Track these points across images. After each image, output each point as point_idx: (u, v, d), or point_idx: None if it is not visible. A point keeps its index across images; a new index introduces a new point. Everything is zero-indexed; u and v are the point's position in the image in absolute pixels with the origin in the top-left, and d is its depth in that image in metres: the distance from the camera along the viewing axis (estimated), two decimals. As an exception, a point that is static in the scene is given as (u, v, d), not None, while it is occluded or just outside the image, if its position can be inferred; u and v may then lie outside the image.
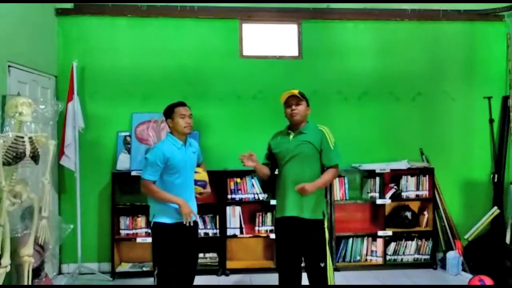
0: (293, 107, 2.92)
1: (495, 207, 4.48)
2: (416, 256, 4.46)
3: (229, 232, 4.29)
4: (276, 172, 3.09)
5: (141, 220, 4.28)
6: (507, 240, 4.35)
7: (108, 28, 4.44)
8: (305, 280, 2.97)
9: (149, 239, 4.00)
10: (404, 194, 4.47)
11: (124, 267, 4.33)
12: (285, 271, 2.98)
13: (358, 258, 4.43)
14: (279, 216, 3.00)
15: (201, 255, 4.25)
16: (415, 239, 4.47)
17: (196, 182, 3.07)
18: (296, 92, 2.94)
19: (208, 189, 3.20)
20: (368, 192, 4.47)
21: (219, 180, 4.23)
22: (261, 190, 4.34)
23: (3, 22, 3.36)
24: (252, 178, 4.36)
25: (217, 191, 4.25)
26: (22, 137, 2.84)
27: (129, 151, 4.35)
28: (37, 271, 3.29)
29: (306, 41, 4.60)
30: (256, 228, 4.36)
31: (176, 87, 4.43)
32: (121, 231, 4.29)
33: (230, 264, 4.31)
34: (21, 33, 3.66)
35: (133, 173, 4.18)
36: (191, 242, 3.03)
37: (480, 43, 4.71)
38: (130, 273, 4.25)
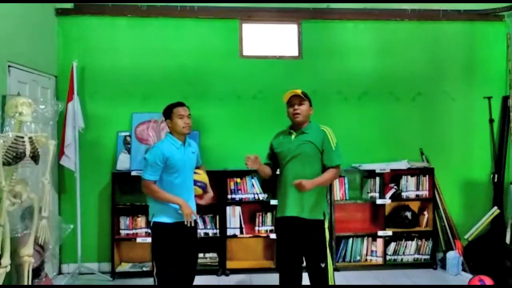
0: (296, 106, 2.91)
1: (495, 207, 4.48)
2: (416, 256, 4.46)
3: (229, 232, 4.29)
4: (278, 172, 3.09)
5: (141, 220, 4.28)
6: (507, 240, 4.35)
7: (108, 28, 4.44)
8: (306, 280, 2.96)
9: (149, 239, 4.00)
10: (404, 194, 4.47)
11: (124, 267, 4.33)
12: (285, 271, 2.98)
13: (358, 258, 4.43)
14: (279, 216, 3.00)
15: (201, 255, 4.25)
16: (415, 239, 4.47)
17: (195, 182, 3.08)
18: (299, 91, 2.93)
19: (210, 192, 3.20)
20: (368, 192, 4.47)
21: (219, 180, 4.23)
22: (261, 190, 4.34)
23: (3, 22, 3.36)
24: (252, 178, 4.36)
25: (217, 191, 4.24)
26: (22, 137, 2.84)
27: (129, 151, 4.35)
28: (37, 271, 3.29)
29: (306, 41, 4.60)
30: (256, 228, 4.36)
31: (176, 87, 4.43)
32: (121, 231, 4.29)
33: (230, 264, 4.31)
34: (21, 33, 3.66)
35: (133, 173, 4.18)
36: (190, 242, 3.03)
37: (480, 43, 4.71)
38: (130, 273, 4.25)
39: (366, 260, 4.43)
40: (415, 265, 4.44)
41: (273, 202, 4.21)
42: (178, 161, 2.92)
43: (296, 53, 4.62)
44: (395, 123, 4.64)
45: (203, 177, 3.15)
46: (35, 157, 2.93)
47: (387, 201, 4.40)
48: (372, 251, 4.43)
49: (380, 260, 4.40)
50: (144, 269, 4.25)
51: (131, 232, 4.28)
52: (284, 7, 4.56)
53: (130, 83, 4.43)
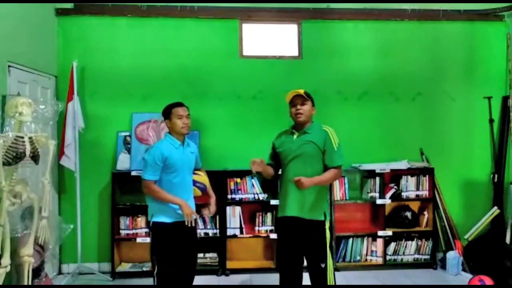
0: (298, 106, 2.91)
1: (495, 207, 4.48)
2: (416, 256, 4.46)
3: (229, 232, 4.29)
4: (280, 172, 3.08)
5: (141, 220, 4.28)
6: (507, 240, 4.35)
7: (108, 28, 4.44)
8: (307, 280, 2.96)
9: (149, 239, 3.99)
10: (404, 194, 4.47)
11: (124, 267, 4.33)
12: (285, 271, 2.98)
13: (358, 258, 4.43)
14: (280, 216, 3.00)
15: (201, 255, 4.26)
16: (415, 239, 4.47)
17: (195, 182, 3.08)
18: (301, 91, 2.92)
19: (213, 196, 3.21)
20: (368, 192, 4.47)
21: (219, 180, 4.23)
22: (261, 190, 4.34)
23: (3, 22, 3.37)
24: (252, 178, 4.36)
25: (217, 191, 4.22)
26: (22, 137, 2.84)
27: (129, 151, 4.35)
28: (37, 271, 3.29)
29: (306, 41, 4.60)
30: (256, 228, 4.36)
31: (176, 87, 4.43)
32: (121, 231, 4.29)
33: (230, 264, 4.31)
34: (21, 33, 3.66)
35: (133, 173, 4.18)
36: (190, 242, 3.04)
37: (480, 43, 4.71)
38: (130, 273, 4.25)
39: (366, 260, 4.43)
40: (415, 265, 4.44)
41: (273, 202, 4.21)
42: (176, 161, 2.93)
43: (296, 53, 4.62)
44: (395, 123, 4.64)
45: (203, 178, 3.15)
46: (35, 157, 2.93)
47: (387, 201, 4.40)
48: (372, 251, 4.43)
49: (380, 260, 4.40)
50: (144, 269, 4.25)
51: (131, 232, 4.28)
52: (284, 7, 4.56)
53: (130, 83, 4.43)
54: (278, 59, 4.59)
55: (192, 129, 4.16)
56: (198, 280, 3.24)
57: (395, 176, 4.51)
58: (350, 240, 4.42)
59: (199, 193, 3.10)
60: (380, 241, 4.41)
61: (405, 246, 4.47)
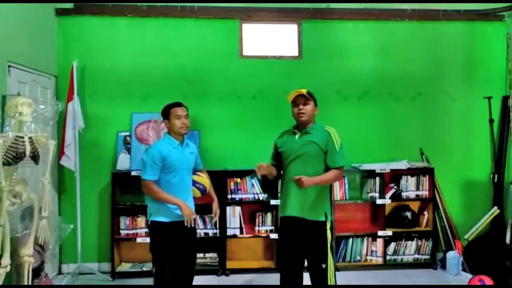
0: (301, 106, 2.90)
1: (495, 207, 4.48)
2: (416, 256, 4.46)
3: (229, 232, 4.29)
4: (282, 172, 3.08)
5: (141, 220, 4.28)
6: (507, 240, 4.35)
7: (108, 28, 4.44)
8: (307, 280, 2.96)
9: (149, 239, 4.00)
10: (404, 194, 4.47)
11: (124, 267, 4.33)
12: (285, 270, 2.97)
13: (358, 258, 4.43)
14: (281, 216, 3.00)
15: (201, 255, 4.26)
16: (415, 239, 4.47)
17: (194, 183, 3.07)
18: (304, 91, 2.91)
19: (215, 199, 3.21)
20: (368, 192, 4.47)
21: (219, 180, 4.22)
22: (261, 190, 4.34)
23: (3, 22, 3.37)
24: (252, 178, 4.36)
25: (217, 191, 4.22)
26: (22, 137, 2.84)
27: (129, 151, 4.35)
28: (37, 271, 3.29)
29: (306, 41, 4.60)
30: (256, 228, 4.36)
31: (176, 87, 4.43)
32: (121, 231, 4.29)
33: (230, 264, 4.31)
34: (21, 33, 3.66)
35: (133, 173, 4.18)
36: (189, 242, 3.04)
37: (480, 43, 4.71)
38: (130, 273, 4.25)
39: (366, 260, 4.43)
40: (415, 265, 4.44)
41: (273, 202, 4.21)
42: (175, 161, 2.93)
43: (296, 53, 4.62)
44: (395, 123, 4.64)
45: (203, 180, 3.14)
46: (35, 157, 2.93)
47: (387, 201, 4.40)
48: (372, 251, 4.43)
49: (380, 260, 4.40)
50: (144, 269, 4.25)
51: (131, 232, 4.29)
52: (284, 7, 4.56)
53: (130, 83, 4.43)
54: (278, 59, 4.59)
55: (192, 129, 4.18)
56: (198, 280, 3.24)
57: (395, 176, 4.51)
58: (350, 240, 4.42)
59: (198, 194, 3.09)
60: (380, 241, 4.41)
61: (405, 246, 4.47)
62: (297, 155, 2.89)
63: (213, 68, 4.50)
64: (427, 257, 4.46)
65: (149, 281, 3.79)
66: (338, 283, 3.00)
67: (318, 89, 4.41)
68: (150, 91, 4.44)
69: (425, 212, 4.53)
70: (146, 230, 4.23)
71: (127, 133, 4.39)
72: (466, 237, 4.43)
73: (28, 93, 3.67)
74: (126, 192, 4.36)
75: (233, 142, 4.49)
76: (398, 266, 4.43)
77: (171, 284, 2.94)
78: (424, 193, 4.50)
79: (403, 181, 4.48)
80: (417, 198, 4.52)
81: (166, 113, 3.02)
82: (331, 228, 2.93)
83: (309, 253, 2.90)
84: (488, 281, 3.72)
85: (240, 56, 4.56)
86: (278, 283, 3.00)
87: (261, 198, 4.33)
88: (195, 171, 3.16)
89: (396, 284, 4.01)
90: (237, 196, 4.34)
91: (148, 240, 4.08)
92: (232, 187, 4.33)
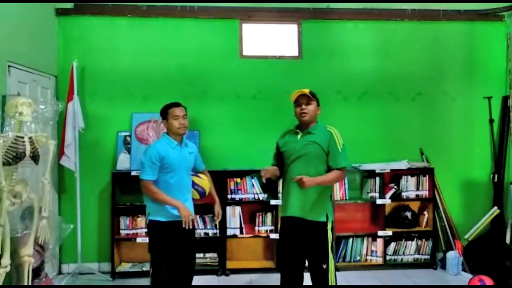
0: (303, 106, 2.89)
1: (495, 207, 4.48)
2: (416, 256, 4.46)
3: (229, 232, 4.29)
4: None
5: (141, 220, 4.28)
6: (507, 240, 4.35)
7: (108, 28, 4.44)
8: (308, 281, 2.96)
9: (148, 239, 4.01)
10: (404, 194, 4.47)
11: (124, 267, 4.33)
12: (286, 270, 2.97)
13: (358, 258, 4.42)
14: (282, 216, 3.00)
15: (201, 255, 4.26)
16: (415, 239, 4.47)
17: (194, 184, 3.07)
18: (306, 91, 2.90)
19: (217, 201, 3.21)
20: (368, 192, 4.47)
21: (219, 180, 4.22)
22: (261, 190, 4.34)
23: (3, 22, 3.36)
24: (252, 178, 4.36)
25: (217, 191, 4.22)
26: (22, 137, 2.84)
27: (129, 151, 4.35)
28: (37, 271, 3.28)
29: (306, 41, 4.60)
30: (256, 228, 4.35)
31: (176, 87, 4.43)
32: (121, 231, 4.29)
33: (230, 264, 4.31)
34: (21, 33, 3.66)
35: (133, 173, 4.18)
36: (187, 242, 3.04)
37: (480, 43, 4.71)
38: (130, 273, 4.25)
39: (366, 260, 4.43)
40: (415, 265, 4.44)
41: (273, 202, 4.21)
42: (173, 161, 2.93)
43: (296, 53, 4.62)
44: (395, 123, 4.64)
45: (203, 182, 3.12)
46: (35, 157, 2.93)
47: (387, 201, 4.39)
48: (372, 251, 4.43)
49: (380, 260, 4.40)
50: (144, 269, 4.24)
51: (131, 232, 4.29)
52: (284, 7, 4.56)
53: (130, 83, 4.43)
54: (278, 59, 4.59)
55: (192, 129, 4.18)
56: (198, 280, 3.24)
57: (395, 176, 4.51)
58: (350, 240, 4.42)
59: (197, 196, 3.09)
60: (380, 241, 4.41)
61: (405, 246, 4.47)
62: (299, 155, 2.87)
63: (213, 68, 4.49)
64: (427, 257, 4.46)
65: (149, 281, 3.79)
66: (338, 283, 3.00)
67: (318, 89, 4.40)
68: (150, 91, 4.44)
69: (425, 212, 4.52)
70: (146, 230, 4.23)
71: (127, 133, 4.39)
72: (466, 237, 4.43)
73: (28, 93, 3.67)
74: (126, 192, 4.36)
75: (233, 142, 4.48)
76: (398, 266, 4.43)
77: (169, 284, 2.94)
78: (424, 193, 4.50)
79: (403, 181, 4.48)
80: (417, 198, 4.52)
81: (164, 114, 3.02)
82: (332, 229, 2.92)
83: (310, 254, 2.90)
84: (488, 281, 3.72)
85: (240, 56, 4.56)
86: (278, 283, 3.00)
87: (261, 198, 4.33)
88: (196, 172, 3.16)
89: (396, 284, 4.02)
90: (237, 196, 4.34)
91: (147, 240, 4.12)
92: (232, 187, 4.33)
